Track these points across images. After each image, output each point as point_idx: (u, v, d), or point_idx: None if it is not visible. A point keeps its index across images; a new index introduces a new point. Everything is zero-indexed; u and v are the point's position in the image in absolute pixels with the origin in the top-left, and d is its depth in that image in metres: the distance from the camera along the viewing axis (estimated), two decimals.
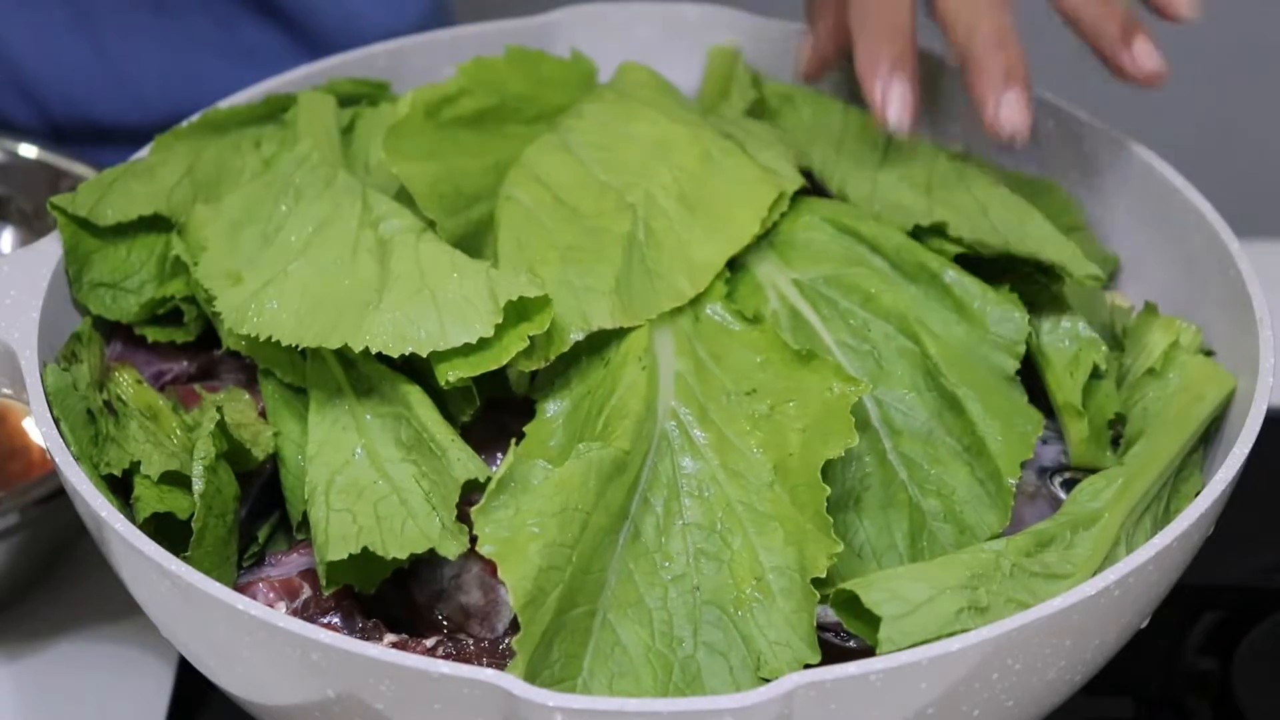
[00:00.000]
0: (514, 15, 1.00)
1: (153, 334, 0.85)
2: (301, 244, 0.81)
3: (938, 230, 0.83)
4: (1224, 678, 0.91)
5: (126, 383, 0.81)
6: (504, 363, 0.75)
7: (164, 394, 0.82)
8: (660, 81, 0.95)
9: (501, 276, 0.77)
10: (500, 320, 0.75)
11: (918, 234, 0.84)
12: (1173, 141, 1.07)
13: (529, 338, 0.75)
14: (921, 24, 0.89)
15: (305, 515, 0.76)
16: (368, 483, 0.75)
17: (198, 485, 0.75)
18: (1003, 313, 0.80)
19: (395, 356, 0.75)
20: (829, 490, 0.73)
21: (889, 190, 0.88)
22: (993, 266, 0.82)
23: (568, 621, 0.70)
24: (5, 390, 0.80)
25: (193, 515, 0.74)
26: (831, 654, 0.71)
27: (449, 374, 0.75)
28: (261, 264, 0.81)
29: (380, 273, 0.78)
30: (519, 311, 0.76)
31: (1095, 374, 0.81)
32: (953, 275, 0.82)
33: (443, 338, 0.75)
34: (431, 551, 0.72)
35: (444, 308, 0.75)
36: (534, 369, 0.77)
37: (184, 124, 0.90)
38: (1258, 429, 0.76)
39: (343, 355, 0.78)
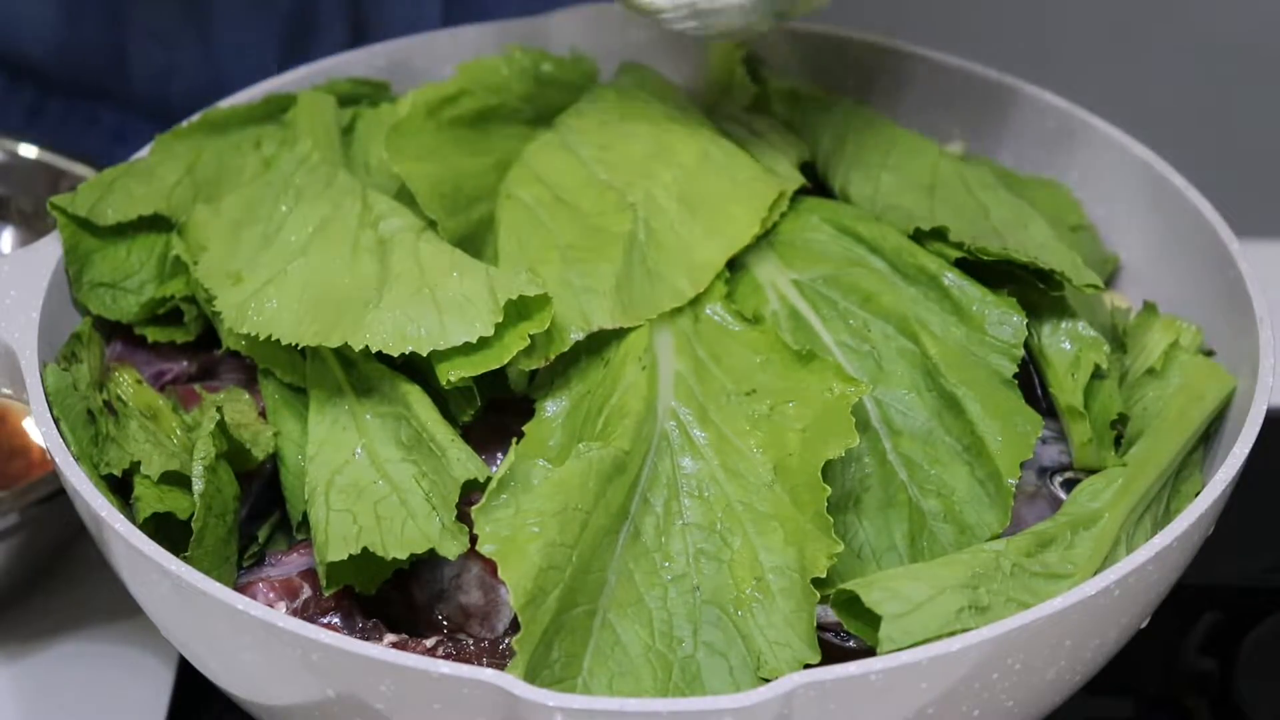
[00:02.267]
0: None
1: (153, 334, 0.85)
2: (301, 243, 0.82)
3: (939, 234, 0.83)
4: (1224, 678, 0.91)
5: (126, 383, 0.81)
6: (505, 362, 0.75)
7: (164, 394, 0.82)
8: (660, 81, 0.95)
9: (501, 275, 0.77)
10: (500, 319, 0.75)
11: (918, 237, 0.84)
12: (1173, 141, 1.07)
13: (529, 336, 0.75)
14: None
15: (305, 515, 0.76)
16: (368, 483, 0.75)
17: (198, 485, 0.75)
18: (1001, 315, 0.80)
19: (395, 355, 0.75)
20: (829, 490, 0.73)
21: (891, 191, 0.88)
22: (993, 270, 0.82)
23: (568, 621, 0.69)
24: (5, 390, 0.80)
25: (193, 515, 0.74)
26: (831, 654, 0.71)
27: (450, 373, 0.75)
28: (261, 264, 0.81)
29: (380, 272, 0.78)
30: (519, 310, 0.76)
31: (1097, 374, 0.81)
32: (952, 278, 0.82)
33: (443, 336, 0.75)
34: (431, 552, 0.72)
35: (444, 306, 0.75)
36: (534, 368, 0.77)
37: (184, 124, 0.90)
38: (1258, 429, 0.76)
39: (343, 355, 0.78)
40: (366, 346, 0.75)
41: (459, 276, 0.77)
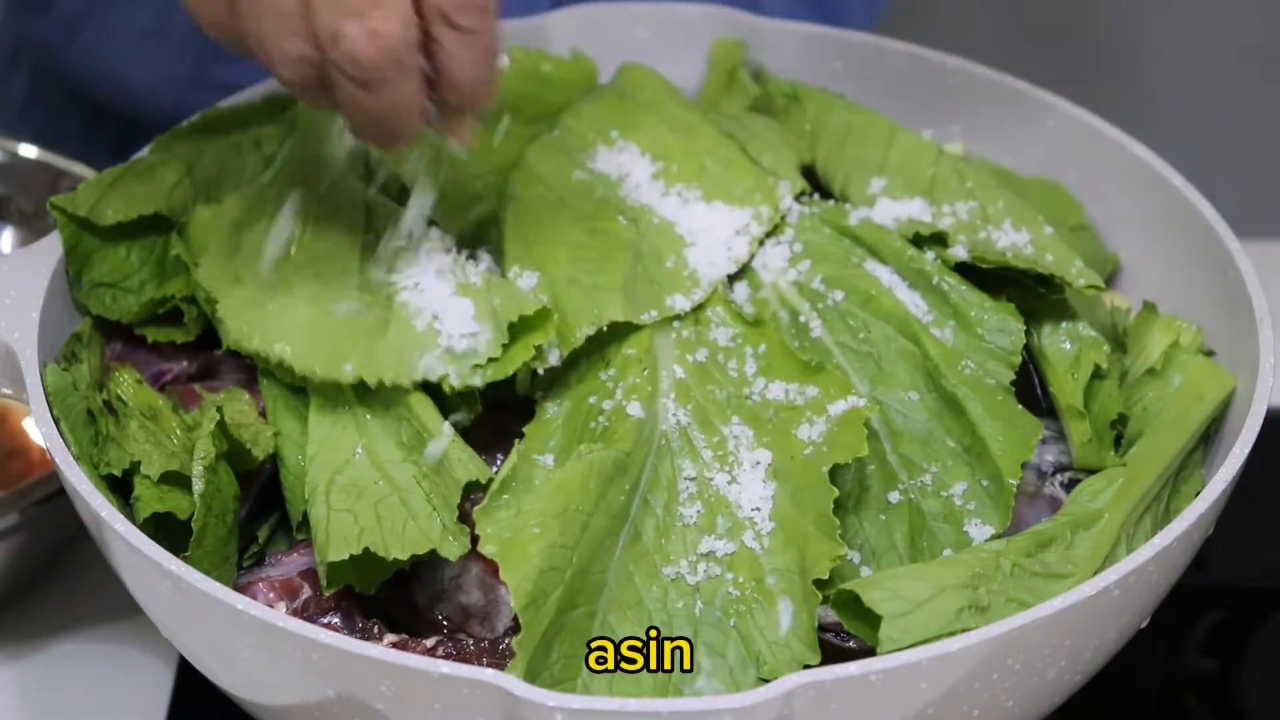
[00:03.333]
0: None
1: (153, 334, 0.85)
2: (303, 248, 0.82)
3: (938, 239, 0.83)
4: (1224, 678, 0.91)
5: (126, 383, 0.81)
6: (509, 374, 0.75)
7: (164, 394, 0.82)
8: (660, 81, 0.95)
9: (505, 297, 0.77)
10: (506, 340, 0.75)
11: (918, 241, 0.84)
12: (1173, 141, 1.07)
13: (534, 347, 0.76)
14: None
15: (305, 515, 0.76)
16: (368, 483, 0.75)
17: (198, 485, 0.75)
18: (1000, 321, 0.80)
19: (407, 385, 0.75)
20: (836, 493, 0.73)
21: (891, 192, 0.88)
22: (993, 272, 0.82)
23: (568, 623, 0.69)
24: (5, 390, 0.80)
25: (193, 515, 0.74)
26: (831, 654, 0.71)
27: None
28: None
29: (384, 289, 0.78)
30: (524, 323, 0.76)
31: (1097, 374, 0.81)
32: (951, 282, 0.82)
33: (451, 362, 0.75)
34: (432, 552, 0.72)
35: (450, 331, 0.76)
36: (547, 367, 0.78)
37: (184, 124, 0.90)
38: (1258, 429, 0.76)
39: None
40: None
41: (463, 299, 0.77)
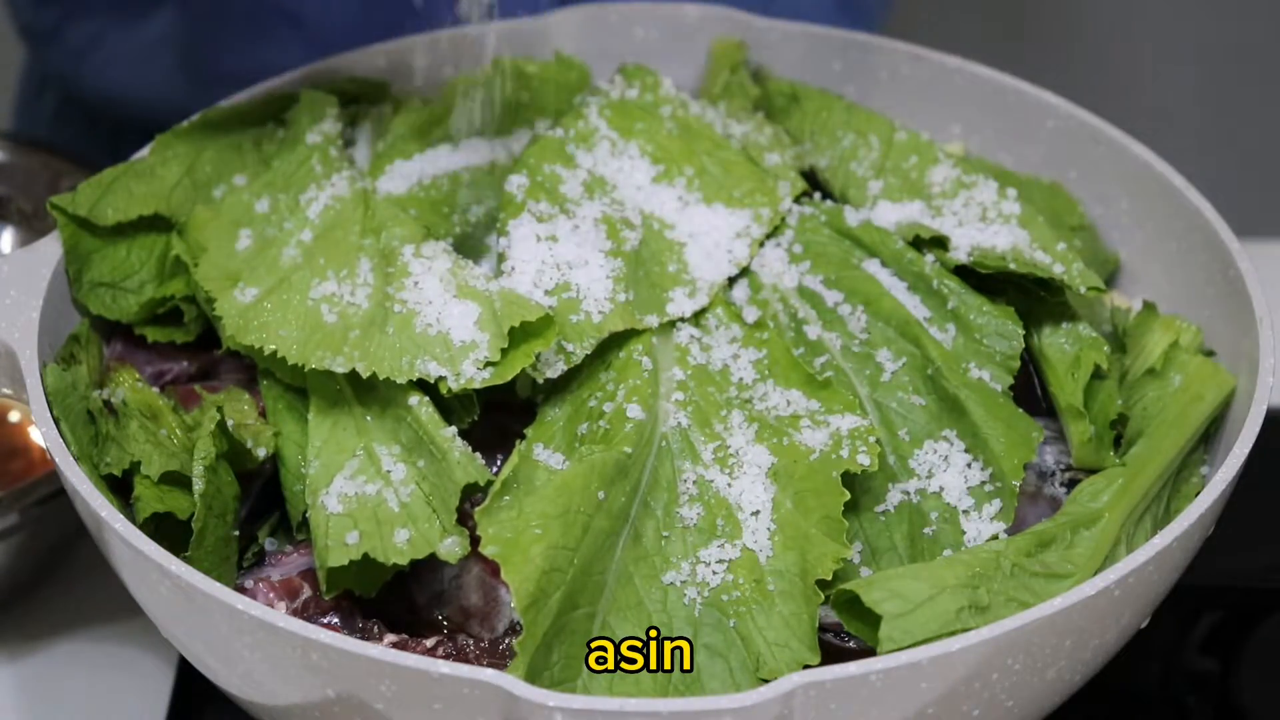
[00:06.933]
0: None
1: (153, 334, 0.85)
2: (303, 248, 0.82)
3: (939, 242, 0.83)
4: (1224, 678, 0.91)
5: (126, 383, 0.81)
6: (508, 379, 0.75)
7: (164, 394, 0.82)
8: (661, 82, 0.95)
9: (506, 300, 0.77)
10: (506, 344, 0.75)
11: (918, 243, 0.84)
12: (1173, 141, 1.07)
13: (534, 354, 0.76)
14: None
15: (305, 515, 0.76)
16: (368, 485, 0.74)
17: (198, 485, 0.75)
18: (998, 326, 0.80)
19: (402, 382, 0.75)
20: (847, 495, 0.73)
21: (890, 194, 0.88)
22: (992, 274, 0.82)
23: (568, 623, 0.69)
24: (5, 390, 0.80)
25: (193, 515, 0.74)
26: (831, 654, 0.71)
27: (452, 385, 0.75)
28: (261, 266, 0.81)
29: (384, 288, 0.78)
30: (525, 329, 0.76)
31: (1097, 374, 0.81)
32: (950, 285, 0.82)
33: (450, 365, 0.75)
34: (432, 554, 0.72)
35: (450, 334, 0.76)
36: (549, 378, 0.78)
37: (184, 124, 0.90)
38: (1258, 429, 0.76)
39: None
40: None
41: (464, 301, 0.77)
